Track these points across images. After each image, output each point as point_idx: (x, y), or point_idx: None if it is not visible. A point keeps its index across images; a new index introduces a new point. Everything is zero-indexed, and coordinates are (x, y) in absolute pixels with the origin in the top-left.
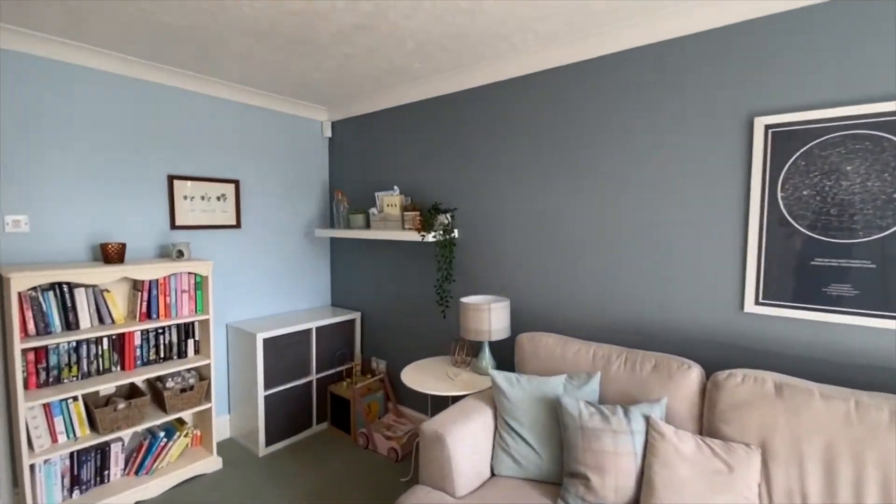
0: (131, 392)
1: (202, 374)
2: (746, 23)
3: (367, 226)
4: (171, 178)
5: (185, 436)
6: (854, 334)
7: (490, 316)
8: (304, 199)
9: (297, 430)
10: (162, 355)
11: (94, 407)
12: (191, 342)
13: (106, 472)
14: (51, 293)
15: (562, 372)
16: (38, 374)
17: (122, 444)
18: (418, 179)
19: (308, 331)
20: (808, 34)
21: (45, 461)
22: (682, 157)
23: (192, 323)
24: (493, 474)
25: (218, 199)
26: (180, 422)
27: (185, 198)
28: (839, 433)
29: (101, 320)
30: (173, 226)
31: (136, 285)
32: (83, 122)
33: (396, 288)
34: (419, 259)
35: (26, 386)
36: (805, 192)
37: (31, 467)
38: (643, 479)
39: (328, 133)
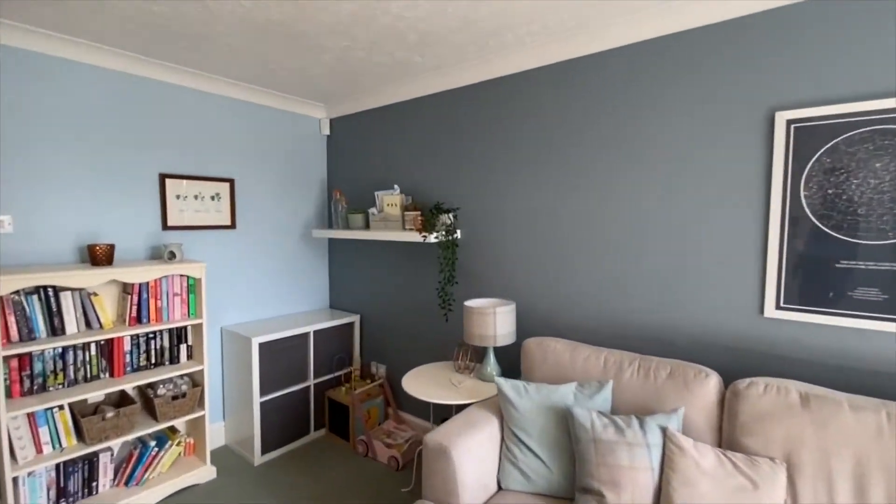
0: (121, 400)
1: (195, 381)
2: (766, 12)
3: (367, 226)
4: (162, 177)
5: (178, 444)
6: (883, 341)
7: (495, 320)
8: (302, 199)
9: (294, 437)
10: (153, 361)
11: (82, 416)
12: (183, 347)
13: (94, 484)
14: (35, 297)
15: (571, 379)
16: (21, 381)
17: (112, 454)
18: (419, 178)
19: (305, 334)
20: (833, 22)
21: (30, 473)
22: (699, 155)
23: (185, 327)
24: (499, 488)
25: (212, 198)
26: (172, 430)
27: (178, 197)
28: (870, 447)
29: (88, 325)
30: (165, 226)
31: (125, 288)
32: (70, 118)
33: (397, 290)
34: (420, 260)
35: (9, 394)
36: (830, 191)
37: (15, 480)
38: (661, 495)
39: (326, 131)
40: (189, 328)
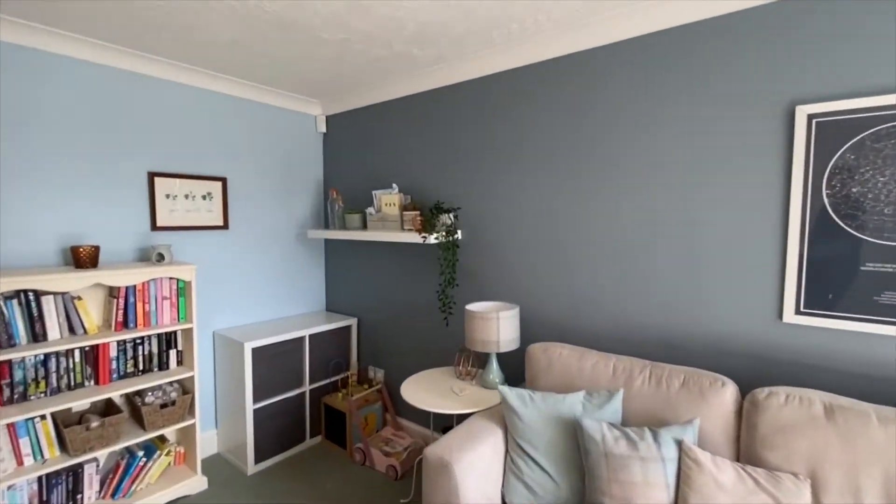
0: (108, 408)
1: (185, 388)
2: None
3: (364, 226)
4: (151, 176)
5: (167, 454)
6: None
7: (498, 325)
8: (297, 198)
9: (289, 445)
10: (141, 368)
11: (65, 426)
12: (173, 353)
13: (79, 496)
14: (15, 301)
15: (578, 388)
16: (1, 390)
17: (97, 466)
18: (418, 177)
19: (301, 338)
20: (856, 10)
21: (10, 487)
22: (714, 151)
23: (174, 332)
24: (504, 503)
25: (203, 197)
26: (162, 439)
27: (168, 196)
28: None
29: (71, 331)
30: (154, 227)
31: (111, 292)
32: (53, 113)
33: (395, 292)
34: (420, 262)
35: None
36: (855, 190)
37: None
38: None
39: (322, 128)
40: (179, 333)
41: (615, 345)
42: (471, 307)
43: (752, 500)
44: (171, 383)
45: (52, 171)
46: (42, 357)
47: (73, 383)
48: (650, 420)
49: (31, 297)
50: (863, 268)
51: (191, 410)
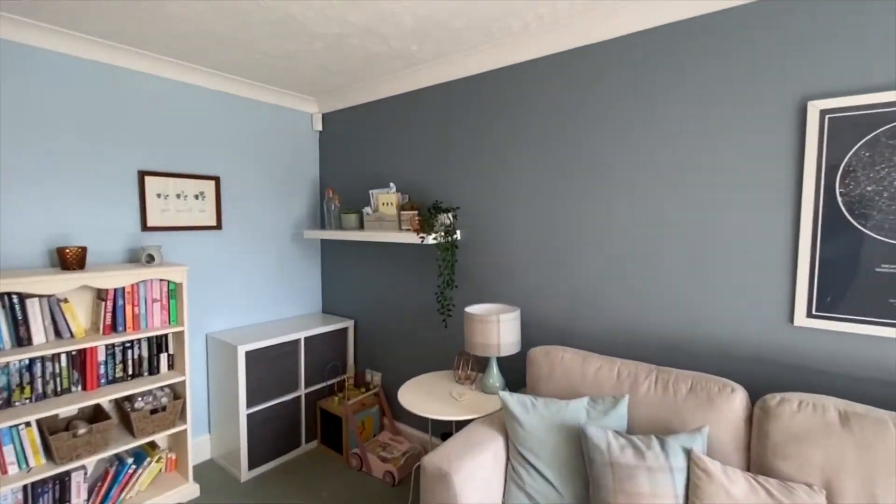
0: (96, 414)
1: (177, 393)
2: None
3: (361, 226)
4: (141, 174)
5: (158, 461)
6: None
7: (499, 328)
8: (292, 198)
9: (284, 450)
10: (130, 372)
11: (52, 433)
12: (163, 357)
13: None
14: None
15: (581, 393)
16: None
17: (85, 473)
18: (416, 176)
19: (296, 341)
20: (873, 1)
21: None
22: (722, 149)
23: (165, 335)
24: None
25: (196, 197)
26: (152, 446)
27: (159, 196)
28: None
29: (58, 334)
30: (145, 227)
31: (99, 294)
32: (38, 110)
33: (393, 294)
34: (418, 262)
35: None
36: (870, 188)
37: None
38: None
39: (318, 126)
40: (170, 336)
41: (619, 348)
42: (470, 309)
43: None
44: (161, 388)
45: (37, 169)
46: (27, 362)
47: (59, 389)
48: (657, 427)
49: (16, 299)
50: (878, 269)
51: (182, 416)
